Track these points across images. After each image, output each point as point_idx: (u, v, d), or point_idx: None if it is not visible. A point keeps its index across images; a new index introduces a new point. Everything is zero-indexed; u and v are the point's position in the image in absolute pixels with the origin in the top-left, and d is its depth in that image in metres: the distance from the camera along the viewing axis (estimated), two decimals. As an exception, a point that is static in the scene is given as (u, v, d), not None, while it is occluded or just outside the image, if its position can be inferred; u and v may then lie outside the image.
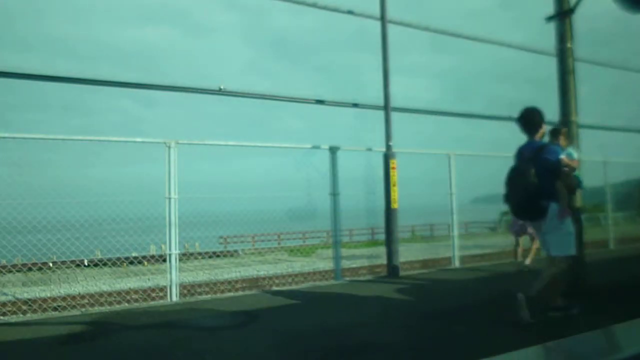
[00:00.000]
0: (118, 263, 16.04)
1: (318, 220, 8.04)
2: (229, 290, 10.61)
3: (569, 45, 6.12)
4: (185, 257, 17.37)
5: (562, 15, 6.12)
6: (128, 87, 7.35)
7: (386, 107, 7.67)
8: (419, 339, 4.09)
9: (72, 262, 15.56)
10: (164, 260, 17.30)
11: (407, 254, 17.29)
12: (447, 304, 5.47)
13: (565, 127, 6.10)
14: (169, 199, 6.30)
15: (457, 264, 8.75)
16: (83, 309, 7.09)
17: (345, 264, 14.65)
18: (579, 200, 5.98)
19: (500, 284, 6.79)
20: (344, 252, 18.63)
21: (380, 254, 10.56)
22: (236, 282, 11.59)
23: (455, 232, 8.81)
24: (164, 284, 13.61)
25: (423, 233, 25.97)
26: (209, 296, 6.95)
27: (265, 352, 3.93)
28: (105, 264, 14.87)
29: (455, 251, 8.75)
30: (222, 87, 7.04)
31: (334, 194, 7.46)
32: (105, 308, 6.43)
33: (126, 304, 7.33)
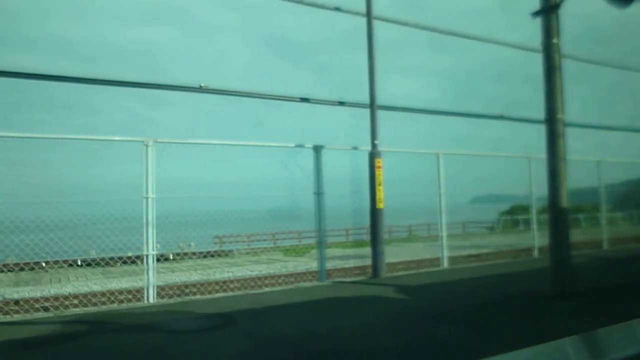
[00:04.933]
0: (111, 263, 15.96)
1: (308, 220, 7.88)
2: (217, 292, 10.51)
3: (555, 40, 5.96)
4: (179, 256, 17.28)
5: (549, 10, 5.97)
6: (131, 86, 7.28)
7: (372, 105, 7.53)
8: (395, 343, 3.95)
9: (65, 262, 15.49)
10: (157, 260, 17.20)
11: (402, 253, 17.16)
12: (427, 307, 5.33)
13: (553, 125, 5.95)
14: (147, 198, 6.18)
15: (445, 264, 8.59)
16: (57, 310, 6.98)
17: (338, 264, 14.54)
18: (564, 201, 5.83)
19: (482, 286, 6.65)
20: (340, 252, 18.51)
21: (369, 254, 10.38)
22: (220, 283, 11.46)
23: (444, 233, 8.65)
24: (157, 284, 13.52)
25: (420, 232, 25.81)
26: (187, 298, 6.82)
27: (233, 356, 3.80)
28: (97, 264, 14.78)
29: (444, 252, 8.59)
30: (202, 85, 6.92)
31: (318, 193, 7.32)
32: (80, 310, 6.32)
33: (111, 305, 7.22)
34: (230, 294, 7.20)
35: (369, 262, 13.09)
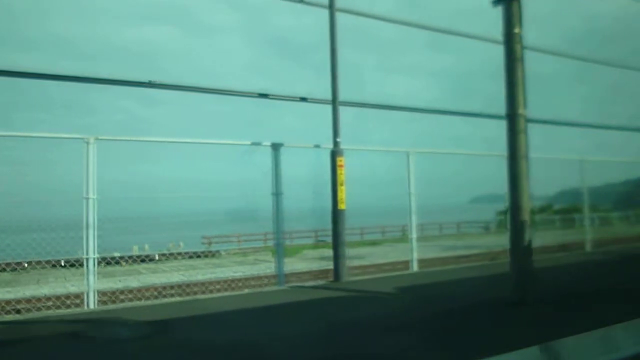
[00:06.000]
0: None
1: (267, 222, 7.57)
2: (196, 293, 10.24)
3: (516, 30, 5.59)
4: (164, 257, 17.05)
5: (510, -2, 5.58)
6: (129, 85, 7.12)
7: (334, 101, 7.19)
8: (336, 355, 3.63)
9: (48, 262, 15.28)
10: (142, 261, 16.81)
11: (392, 254, 16.80)
12: (376, 317, 4.98)
13: (514, 120, 5.58)
14: (87, 199, 5.88)
15: (415, 268, 8.23)
16: (29, 313, 6.77)
17: (323, 265, 14.20)
18: (526, 202, 5.44)
19: (444, 293, 6.28)
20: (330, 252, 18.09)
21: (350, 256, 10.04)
22: (199, 284, 11.18)
23: (414, 235, 8.29)
24: (134, 286, 13.27)
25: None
26: (131, 303, 6.54)
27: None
28: (81, 265, 14.55)
29: (414, 254, 8.23)
30: (151, 80, 6.63)
31: (277, 194, 7.00)
32: (23, 315, 6.05)
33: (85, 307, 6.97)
34: (178, 299, 6.91)
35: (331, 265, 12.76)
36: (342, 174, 7.07)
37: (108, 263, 16.35)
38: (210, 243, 20.16)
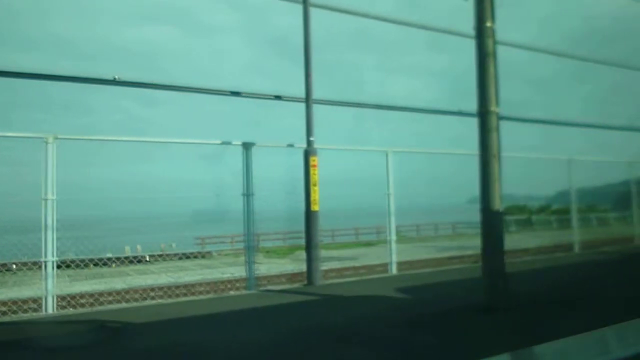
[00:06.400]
0: (82, 265, 15.58)
1: (238, 223, 7.35)
2: (184, 295, 10.04)
3: (488, 24, 5.35)
4: (152, 258, 16.87)
5: (481, -10, 5.35)
6: (128, 85, 7.11)
7: (307, 100, 6.98)
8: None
9: (35, 264, 15.12)
10: (130, 262, 16.52)
11: (385, 256, 16.55)
12: (336, 324, 4.76)
13: (486, 118, 5.34)
14: (46, 200, 5.68)
15: (394, 270, 8.00)
16: (15, 314, 6.60)
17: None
18: (497, 202, 5.20)
19: (417, 298, 6.05)
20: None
21: (334, 257, 9.88)
22: (189, 286, 10.98)
23: (393, 237, 8.06)
24: (120, 287, 13.03)
25: (411, 233, 25.19)
26: (91, 308, 6.36)
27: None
28: (68, 266, 14.44)
29: (393, 257, 8.00)
30: (116, 77, 6.44)
31: (248, 195, 6.78)
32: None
33: (67, 310, 6.80)
34: (141, 303, 6.73)
35: (329, 266, 12.56)
36: (316, 174, 6.85)
37: (96, 264, 16.19)
38: (203, 244, 20.01)
